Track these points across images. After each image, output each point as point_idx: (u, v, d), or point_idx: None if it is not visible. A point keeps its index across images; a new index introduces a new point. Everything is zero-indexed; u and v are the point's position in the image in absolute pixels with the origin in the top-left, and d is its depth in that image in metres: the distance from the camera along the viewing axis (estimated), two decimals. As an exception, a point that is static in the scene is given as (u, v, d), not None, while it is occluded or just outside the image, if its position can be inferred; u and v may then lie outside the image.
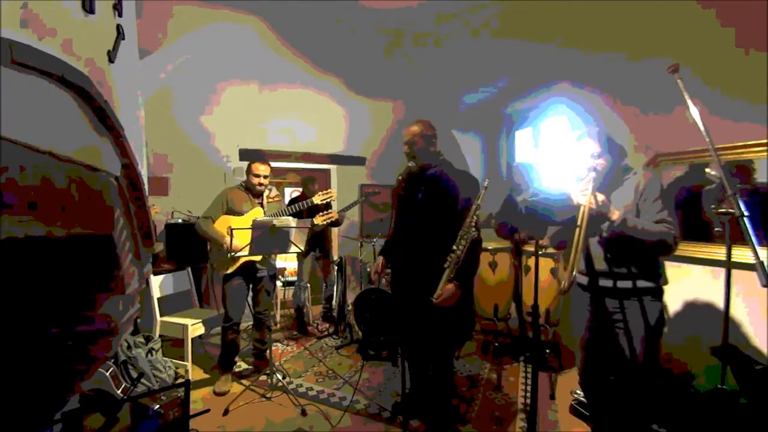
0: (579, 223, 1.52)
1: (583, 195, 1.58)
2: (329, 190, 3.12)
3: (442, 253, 1.80)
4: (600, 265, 1.67)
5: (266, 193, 2.92)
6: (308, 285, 4.11)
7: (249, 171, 2.81)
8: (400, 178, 2.11)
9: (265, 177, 2.80)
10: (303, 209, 2.97)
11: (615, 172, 1.70)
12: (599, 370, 1.75)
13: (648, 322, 1.57)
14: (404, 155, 2.08)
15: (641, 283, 1.60)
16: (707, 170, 1.69)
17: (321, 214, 3.12)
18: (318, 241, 3.94)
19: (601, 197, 1.56)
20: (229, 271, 2.74)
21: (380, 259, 2.22)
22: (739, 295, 2.17)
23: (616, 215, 1.54)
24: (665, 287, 1.66)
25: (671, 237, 1.51)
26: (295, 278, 4.22)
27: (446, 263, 1.78)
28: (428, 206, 1.97)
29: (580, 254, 1.49)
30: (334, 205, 4.75)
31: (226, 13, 2.86)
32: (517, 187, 3.18)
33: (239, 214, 2.77)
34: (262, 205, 2.87)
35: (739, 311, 2.23)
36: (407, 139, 2.05)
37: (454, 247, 1.78)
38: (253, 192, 2.83)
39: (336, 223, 3.88)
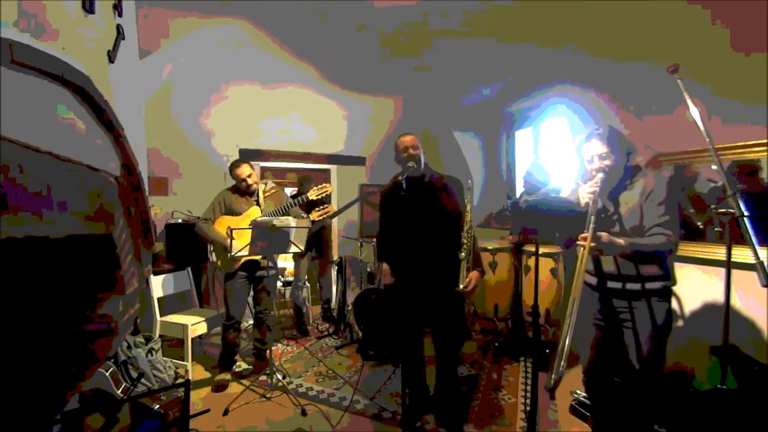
0: (585, 233, 1.50)
1: (591, 196, 1.58)
2: (324, 185, 3.08)
3: (454, 249, 2.00)
4: (609, 266, 1.66)
5: (262, 188, 2.92)
6: (307, 285, 4.10)
7: (233, 177, 2.81)
8: (399, 178, 2.11)
9: (250, 176, 2.79)
10: (300, 204, 2.94)
11: (623, 172, 1.67)
12: (605, 370, 1.74)
13: (656, 323, 1.57)
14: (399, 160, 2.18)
15: (650, 285, 1.58)
16: (714, 167, 1.68)
17: (317, 209, 3.10)
18: (314, 241, 3.93)
19: (604, 235, 1.53)
20: (234, 268, 2.75)
21: (386, 267, 2.25)
22: (740, 295, 2.17)
23: (622, 242, 1.53)
24: (673, 288, 1.65)
25: (671, 244, 1.52)
26: (292, 278, 4.21)
27: (461, 256, 1.97)
28: (438, 208, 2.11)
29: (585, 265, 1.48)
30: (333, 198, 4.75)
31: (227, 13, 2.86)
32: (530, 188, 3.18)
33: (237, 214, 2.79)
34: (258, 203, 2.87)
35: (739, 311, 2.23)
36: (410, 144, 2.14)
37: (464, 241, 1.99)
38: (246, 193, 2.85)
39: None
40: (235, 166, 2.81)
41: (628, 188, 1.66)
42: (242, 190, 2.83)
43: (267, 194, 2.93)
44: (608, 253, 1.61)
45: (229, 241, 2.50)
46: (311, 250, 3.97)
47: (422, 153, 2.16)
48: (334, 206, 3.11)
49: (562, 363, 1.35)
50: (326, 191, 3.06)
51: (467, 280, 1.98)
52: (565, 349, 1.38)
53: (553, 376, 1.37)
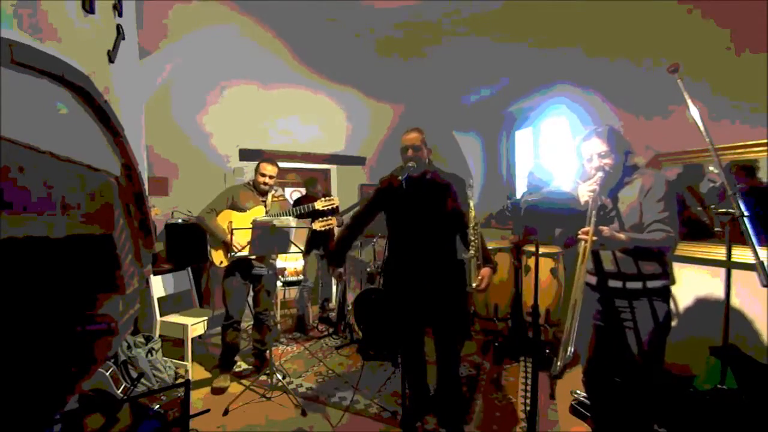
0: (586, 227, 1.49)
1: (590, 195, 1.58)
2: (332, 198, 3.15)
3: (455, 247, 1.99)
4: (609, 265, 1.66)
5: (271, 192, 2.98)
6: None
7: (257, 170, 2.89)
8: (399, 178, 2.11)
9: (271, 177, 2.88)
10: (305, 212, 2.99)
11: (622, 171, 1.66)
12: (605, 370, 1.74)
13: (656, 323, 1.56)
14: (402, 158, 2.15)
15: (650, 284, 1.58)
16: (711, 168, 1.67)
17: (321, 219, 3.10)
18: (321, 239, 3.93)
19: (605, 229, 1.51)
20: (226, 263, 2.78)
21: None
22: (740, 295, 2.17)
23: (623, 237, 1.51)
24: (671, 287, 1.65)
25: (671, 241, 1.51)
26: (295, 278, 4.20)
27: (471, 253, 1.93)
28: (438, 206, 2.08)
29: (584, 266, 1.47)
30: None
31: (227, 12, 2.86)
32: (533, 188, 3.16)
33: (242, 210, 2.83)
34: (265, 204, 2.91)
35: (739, 311, 2.23)
36: (411, 144, 2.10)
37: (472, 238, 1.94)
38: (258, 190, 2.91)
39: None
40: (263, 161, 2.91)
41: (627, 186, 1.65)
42: (256, 185, 2.89)
43: (274, 200, 2.99)
44: (609, 248, 1.60)
45: (228, 237, 2.53)
46: (319, 248, 3.98)
47: (426, 151, 2.13)
48: (334, 221, 3.12)
49: (570, 349, 1.32)
50: (333, 204, 3.12)
51: (479, 278, 1.92)
52: (572, 334, 1.35)
53: (558, 363, 1.35)
